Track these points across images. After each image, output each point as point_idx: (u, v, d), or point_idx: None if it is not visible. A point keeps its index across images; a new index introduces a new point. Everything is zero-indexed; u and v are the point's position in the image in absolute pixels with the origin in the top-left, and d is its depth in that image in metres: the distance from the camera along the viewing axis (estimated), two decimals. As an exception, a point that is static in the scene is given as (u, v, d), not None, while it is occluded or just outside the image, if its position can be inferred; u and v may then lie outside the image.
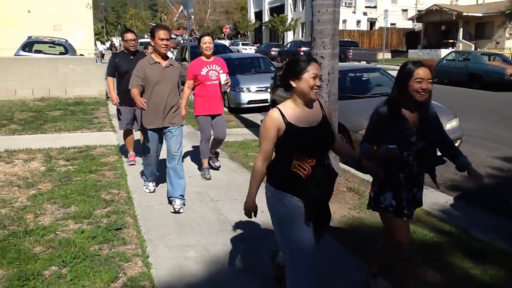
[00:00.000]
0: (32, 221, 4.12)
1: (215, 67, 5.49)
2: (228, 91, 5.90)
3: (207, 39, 5.42)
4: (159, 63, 4.49)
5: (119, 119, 6.11)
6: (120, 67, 5.85)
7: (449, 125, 6.50)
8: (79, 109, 10.69)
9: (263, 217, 4.44)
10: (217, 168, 6.00)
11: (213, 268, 3.41)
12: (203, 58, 5.50)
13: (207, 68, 5.46)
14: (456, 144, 6.42)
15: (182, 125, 4.71)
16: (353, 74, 8.21)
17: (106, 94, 12.80)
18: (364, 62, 25.16)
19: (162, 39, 4.38)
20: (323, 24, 5.20)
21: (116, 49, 36.50)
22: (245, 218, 4.33)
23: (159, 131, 4.63)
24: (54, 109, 10.58)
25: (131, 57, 5.79)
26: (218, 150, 6.41)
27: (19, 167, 5.91)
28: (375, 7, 44.49)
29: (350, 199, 4.99)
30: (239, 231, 4.07)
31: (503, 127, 9.80)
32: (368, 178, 5.76)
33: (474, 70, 17.74)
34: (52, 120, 9.29)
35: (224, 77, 5.43)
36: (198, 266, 3.44)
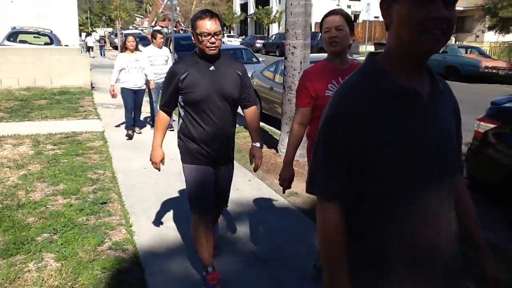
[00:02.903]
0: (24, 196, 4.47)
1: None
2: None
3: (338, 20, 2.62)
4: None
5: (191, 198, 3.00)
6: (194, 90, 2.78)
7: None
8: (64, 98, 10.93)
9: (235, 194, 4.89)
10: None
11: (191, 236, 3.79)
12: (330, 61, 2.75)
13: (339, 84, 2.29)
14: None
15: None
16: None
17: (91, 84, 13.05)
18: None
19: None
20: (295, 16, 5.61)
21: (105, 42, 32.44)
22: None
23: None
24: (40, 98, 10.81)
25: (211, 67, 2.83)
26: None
27: (8, 151, 6.21)
28: (358, 0, 44.99)
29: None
30: (215, 205, 4.47)
31: (475, 116, 10.31)
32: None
33: (451, 62, 18.31)
34: (39, 108, 9.54)
35: None
36: (177, 233, 3.83)
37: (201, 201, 2.96)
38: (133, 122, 7.42)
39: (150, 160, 3.00)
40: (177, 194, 4.75)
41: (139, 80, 7.26)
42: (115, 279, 3.07)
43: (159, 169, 3.01)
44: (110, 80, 7.22)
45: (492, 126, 4.32)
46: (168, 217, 4.16)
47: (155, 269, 3.23)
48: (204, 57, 2.81)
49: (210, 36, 2.69)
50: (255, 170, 3.09)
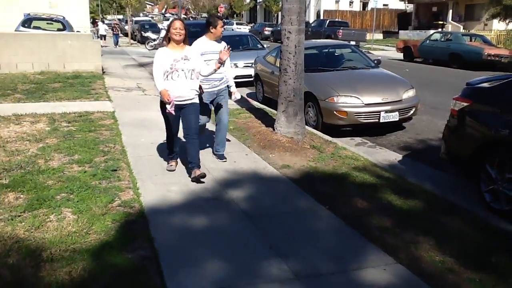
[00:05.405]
0: (43, 164, 5.01)
1: None
2: None
3: None
4: None
5: None
6: None
7: (406, 94, 7.38)
8: (77, 81, 11.47)
9: (232, 166, 5.39)
10: None
11: (190, 197, 4.32)
12: None
13: None
14: (411, 112, 7.34)
15: None
16: (327, 50, 9.06)
17: (102, 69, 13.58)
18: (354, 42, 25.86)
19: None
20: (290, 3, 6.05)
21: (119, 28, 29.05)
22: (220, 165, 5.27)
23: None
24: (54, 82, 11.36)
25: None
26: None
27: (27, 127, 6.76)
28: (368, -13, 44.85)
29: (311, 153, 5.90)
30: (214, 174, 4.98)
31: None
32: (331, 139, 6.67)
33: (454, 50, 18.56)
34: (53, 90, 10.09)
35: None
36: (178, 196, 4.35)
37: None
38: (175, 150, 5.11)
39: None
40: (180, 165, 5.25)
41: (189, 90, 4.65)
42: (124, 227, 3.59)
43: None
44: (157, 86, 4.64)
45: (465, 104, 4.72)
46: (171, 183, 4.67)
47: (158, 222, 3.75)
48: None
49: None
50: None
